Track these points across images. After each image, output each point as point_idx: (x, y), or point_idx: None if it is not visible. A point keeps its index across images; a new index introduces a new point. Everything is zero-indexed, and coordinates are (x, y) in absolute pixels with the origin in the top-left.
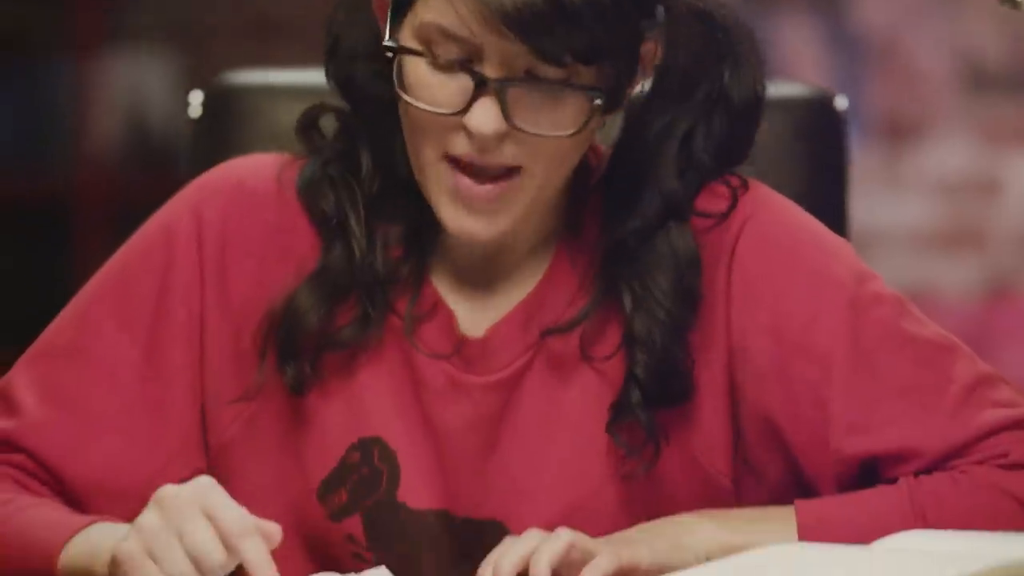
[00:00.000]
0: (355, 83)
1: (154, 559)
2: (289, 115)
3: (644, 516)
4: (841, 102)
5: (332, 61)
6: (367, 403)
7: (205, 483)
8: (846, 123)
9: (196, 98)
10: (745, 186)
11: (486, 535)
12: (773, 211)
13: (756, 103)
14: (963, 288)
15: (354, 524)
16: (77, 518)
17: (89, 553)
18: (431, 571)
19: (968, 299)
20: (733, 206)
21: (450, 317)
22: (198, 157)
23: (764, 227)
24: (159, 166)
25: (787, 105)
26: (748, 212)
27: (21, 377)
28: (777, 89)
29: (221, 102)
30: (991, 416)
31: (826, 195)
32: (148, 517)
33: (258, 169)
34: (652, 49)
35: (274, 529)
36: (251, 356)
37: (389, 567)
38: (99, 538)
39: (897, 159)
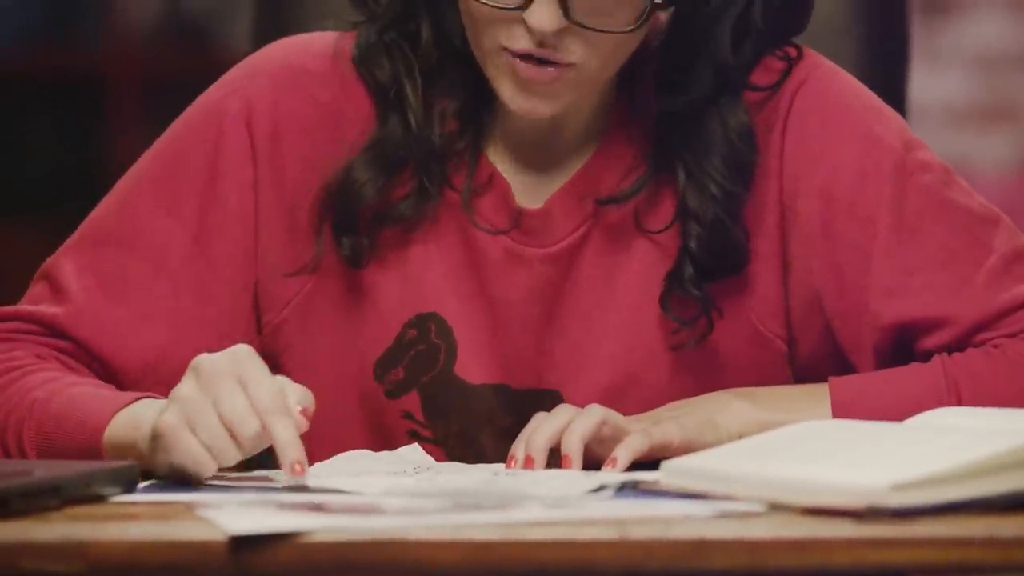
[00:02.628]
0: None
1: (192, 429)
2: None
3: (698, 384)
4: None
5: None
6: (423, 279)
7: (242, 352)
8: None
9: None
10: (800, 55)
11: (543, 406)
12: (826, 76)
13: None
14: (999, 163)
15: (411, 401)
16: (123, 394)
17: (132, 426)
18: (489, 444)
19: (1004, 174)
20: (786, 75)
21: (506, 190)
22: (260, 29)
23: (817, 91)
24: (193, 39)
25: None
26: (801, 77)
27: (68, 263)
28: None
29: None
30: None
31: (885, 72)
32: (185, 387)
33: (307, 47)
34: None
35: (309, 402)
36: (307, 233)
37: (447, 442)
38: (143, 412)
39: (933, 33)
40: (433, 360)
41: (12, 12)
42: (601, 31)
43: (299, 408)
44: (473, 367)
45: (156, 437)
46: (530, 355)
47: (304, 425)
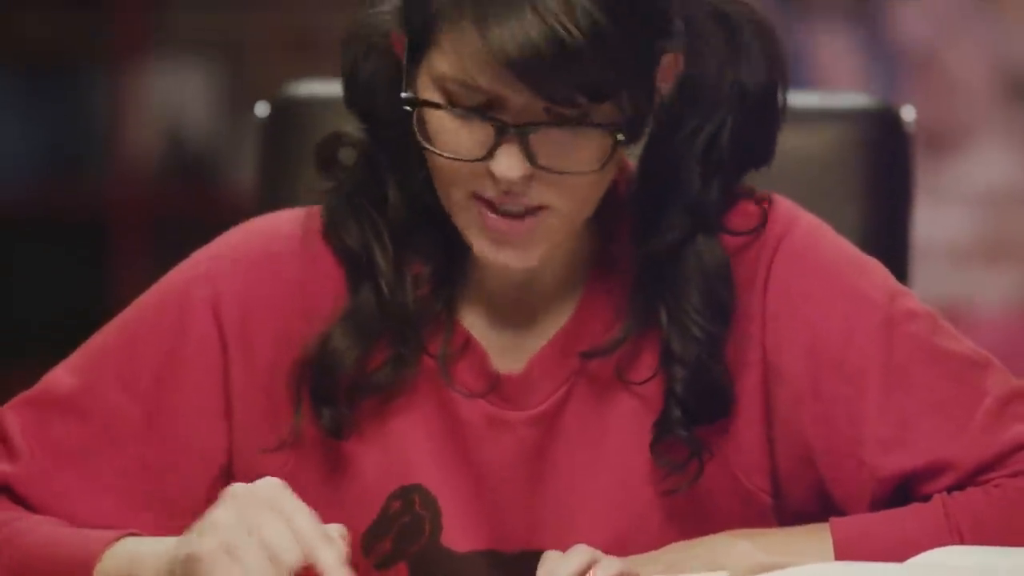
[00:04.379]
0: (376, 112)
1: (231, 555)
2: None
3: (687, 537)
4: (908, 114)
5: (350, 91)
6: (405, 449)
7: (275, 483)
8: (913, 136)
9: (262, 109)
10: (770, 201)
11: (533, 569)
12: (805, 231)
13: (772, 95)
14: (1003, 302)
15: (401, 572)
16: (106, 531)
17: (128, 560)
18: None
19: (1008, 313)
20: (764, 223)
21: (482, 356)
22: (265, 169)
23: (798, 248)
24: (196, 180)
25: (850, 117)
26: (780, 232)
27: (17, 418)
28: (839, 100)
29: (286, 114)
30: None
31: (889, 211)
32: (221, 513)
33: (275, 230)
34: (673, 62)
35: (344, 533)
36: (286, 409)
37: None
38: (136, 548)
39: (935, 170)
40: (419, 531)
41: (17, 152)
42: (568, 173)
43: (339, 536)
44: (460, 536)
45: (193, 562)
46: (518, 518)
47: (347, 551)
